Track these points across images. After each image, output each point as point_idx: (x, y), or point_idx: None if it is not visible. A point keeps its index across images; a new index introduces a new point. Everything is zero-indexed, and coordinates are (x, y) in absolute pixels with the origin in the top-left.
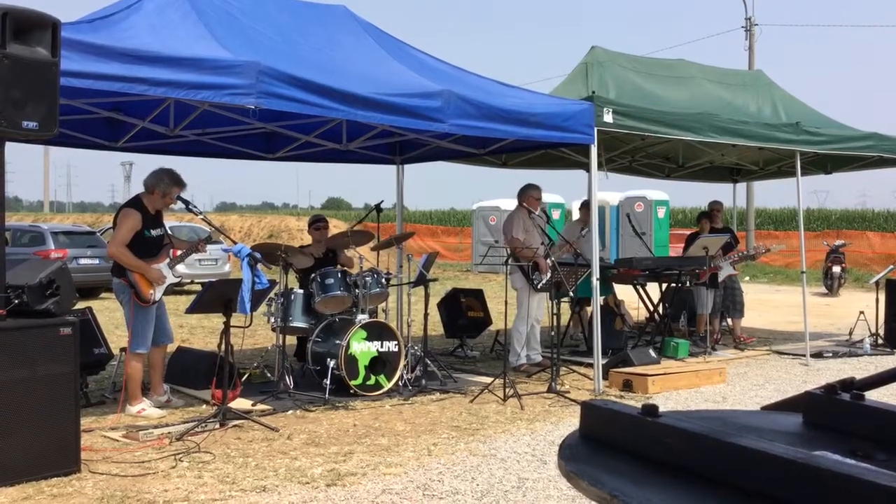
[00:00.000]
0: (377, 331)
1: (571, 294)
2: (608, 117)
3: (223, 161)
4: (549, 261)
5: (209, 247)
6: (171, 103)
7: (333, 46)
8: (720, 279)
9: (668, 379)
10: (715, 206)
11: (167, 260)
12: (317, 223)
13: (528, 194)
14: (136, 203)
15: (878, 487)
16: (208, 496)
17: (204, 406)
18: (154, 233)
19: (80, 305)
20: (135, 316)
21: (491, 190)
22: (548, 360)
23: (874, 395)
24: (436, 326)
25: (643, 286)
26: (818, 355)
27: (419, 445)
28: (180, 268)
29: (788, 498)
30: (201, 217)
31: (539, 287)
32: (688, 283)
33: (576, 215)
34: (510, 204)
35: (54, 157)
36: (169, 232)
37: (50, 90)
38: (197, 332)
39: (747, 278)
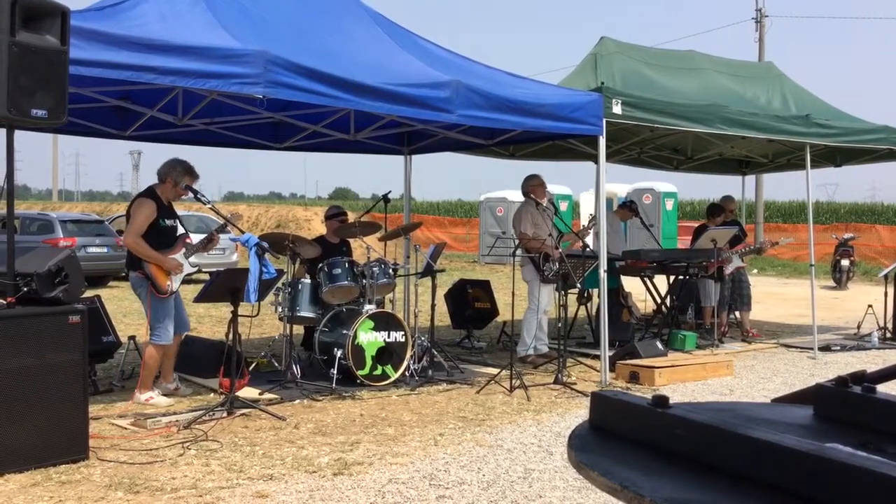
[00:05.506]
0: (384, 321)
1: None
2: (617, 108)
3: (231, 150)
4: (557, 251)
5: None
6: (180, 92)
7: (342, 36)
8: (728, 272)
9: (675, 371)
10: (729, 206)
11: (183, 250)
12: (341, 216)
13: (530, 184)
14: (150, 193)
15: (890, 479)
16: (216, 484)
17: (212, 395)
18: (168, 222)
19: (89, 293)
20: (153, 308)
21: (498, 181)
22: (554, 352)
23: (885, 389)
24: (443, 317)
25: (651, 278)
26: (826, 349)
27: (425, 435)
28: (191, 258)
29: (800, 489)
30: (209, 206)
31: (549, 276)
32: (695, 276)
33: (584, 207)
34: (517, 195)
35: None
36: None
37: (59, 78)
38: (205, 321)
39: (755, 271)
